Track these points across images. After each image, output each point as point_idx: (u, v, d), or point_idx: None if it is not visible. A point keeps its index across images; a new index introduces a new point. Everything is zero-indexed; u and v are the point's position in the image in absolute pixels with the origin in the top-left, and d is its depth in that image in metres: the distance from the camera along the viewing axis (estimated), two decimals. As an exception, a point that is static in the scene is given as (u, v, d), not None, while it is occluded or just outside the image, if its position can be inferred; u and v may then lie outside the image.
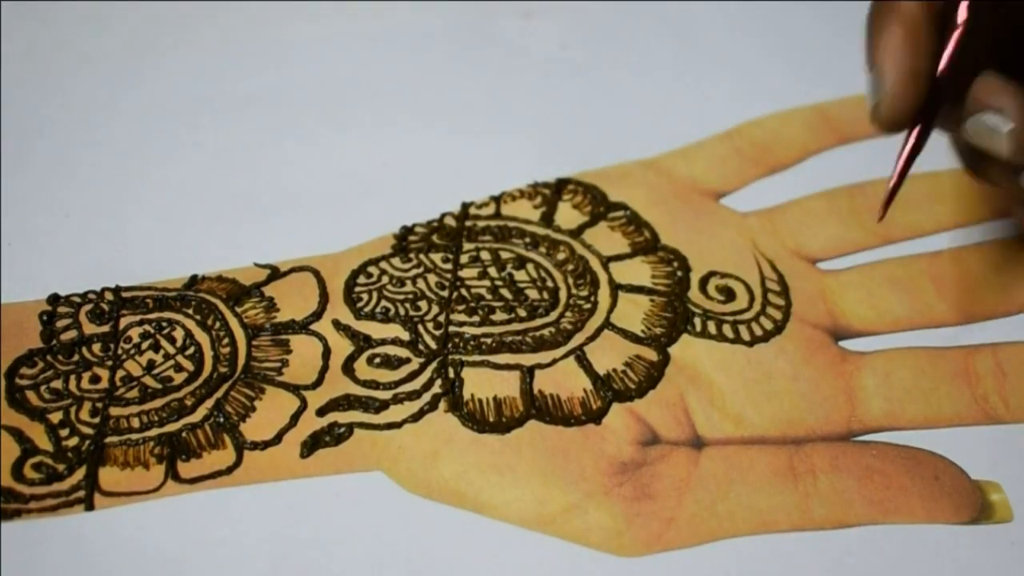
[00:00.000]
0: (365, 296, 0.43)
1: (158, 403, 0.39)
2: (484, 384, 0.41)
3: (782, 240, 0.47)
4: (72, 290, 0.43)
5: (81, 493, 0.37)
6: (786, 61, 0.55)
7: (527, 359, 0.42)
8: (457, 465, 0.38)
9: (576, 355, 0.42)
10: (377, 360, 0.41)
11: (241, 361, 0.41)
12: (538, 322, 0.43)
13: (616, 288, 0.45)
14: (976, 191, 0.48)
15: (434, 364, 0.41)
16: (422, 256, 0.45)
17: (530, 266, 0.45)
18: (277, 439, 0.39)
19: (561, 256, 0.45)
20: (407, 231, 0.46)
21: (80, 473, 0.37)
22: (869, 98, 0.37)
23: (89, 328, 0.42)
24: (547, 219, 0.47)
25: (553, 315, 0.43)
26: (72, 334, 0.41)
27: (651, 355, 0.42)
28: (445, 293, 0.44)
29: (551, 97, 0.54)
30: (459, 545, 0.36)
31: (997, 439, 0.40)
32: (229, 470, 0.38)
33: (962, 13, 0.37)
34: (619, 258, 0.46)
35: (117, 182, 0.48)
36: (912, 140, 0.38)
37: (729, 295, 0.45)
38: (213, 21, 0.57)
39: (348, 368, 0.41)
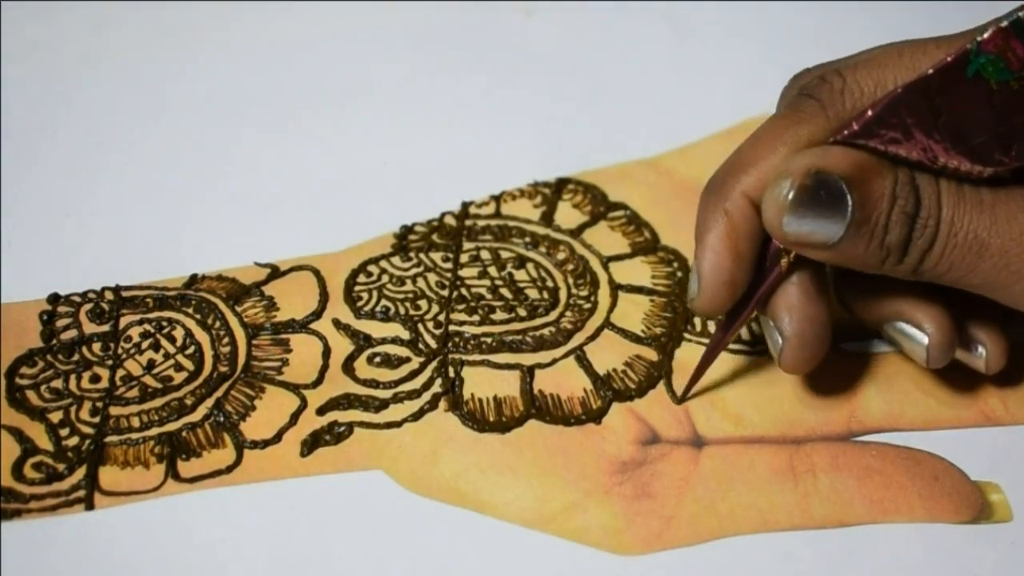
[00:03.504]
0: (365, 295, 0.43)
1: (158, 402, 0.39)
2: (484, 383, 0.41)
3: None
4: (72, 289, 0.43)
5: (81, 493, 0.37)
6: (786, 61, 0.55)
7: (527, 359, 0.42)
8: (457, 464, 0.38)
9: (576, 355, 0.42)
10: (377, 359, 0.41)
11: (241, 360, 0.41)
12: (538, 322, 0.43)
13: (616, 288, 0.45)
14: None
15: (434, 363, 0.41)
16: (422, 255, 0.45)
17: (530, 266, 0.45)
18: (277, 438, 0.39)
19: (561, 256, 0.45)
20: (407, 230, 0.46)
21: (80, 473, 0.37)
22: (689, 286, 0.38)
23: (89, 327, 0.42)
24: (547, 219, 0.47)
25: (553, 315, 0.43)
26: (72, 333, 0.41)
27: (651, 355, 0.42)
28: (445, 292, 0.44)
29: (551, 97, 0.54)
30: (459, 544, 0.36)
31: (996, 440, 0.40)
32: (229, 469, 0.38)
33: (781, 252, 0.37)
34: (619, 258, 0.46)
35: (117, 182, 0.48)
36: (721, 334, 0.39)
37: (729, 295, 0.44)
38: (214, 21, 0.57)
39: (348, 367, 0.41)
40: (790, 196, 0.35)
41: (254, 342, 0.42)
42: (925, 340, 0.38)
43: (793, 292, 0.38)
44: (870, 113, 0.35)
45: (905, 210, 0.35)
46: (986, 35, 0.34)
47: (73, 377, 0.40)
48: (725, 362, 0.42)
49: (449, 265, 0.45)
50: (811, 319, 0.38)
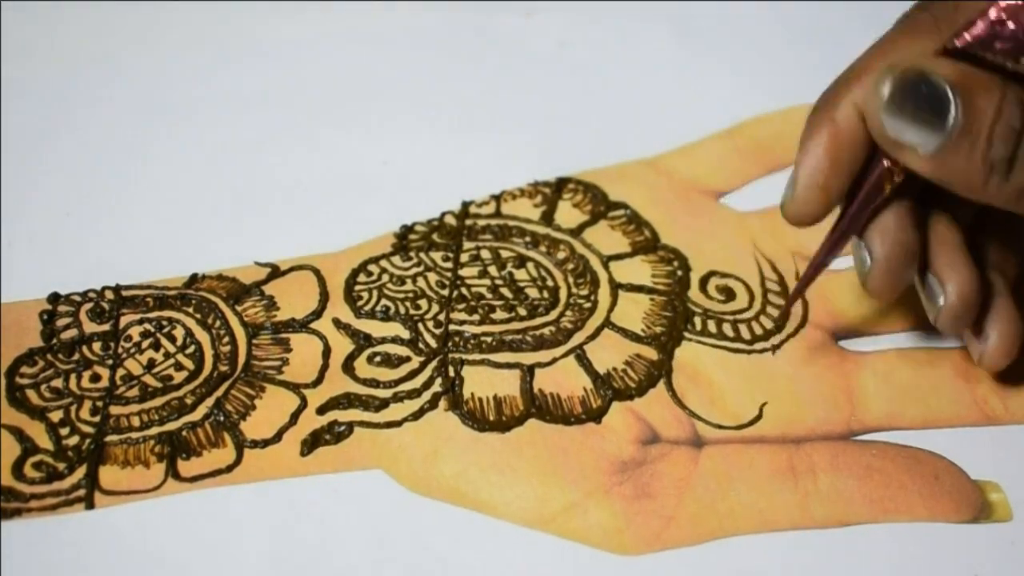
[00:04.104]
0: (365, 295, 0.43)
1: (158, 402, 0.39)
2: (484, 383, 0.41)
3: (782, 240, 0.47)
4: (72, 289, 0.43)
5: (81, 492, 0.37)
6: (786, 59, 0.55)
7: (527, 358, 0.42)
8: (457, 464, 0.38)
9: (576, 354, 0.42)
10: (377, 358, 0.41)
11: (241, 360, 0.41)
12: (538, 321, 0.43)
13: (616, 287, 0.45)
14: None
15: (434, 363, 0.41)
16: (422, 255, 0.45)
17: (530, 265, 0.45)
18: (277, 437, 0.39)
19: (561, 255, 0.45)
20: (407, 230, 0.46)
21: (80, 472, 0.37)
22: (784, 192, 0.38)
23: (89, 327, 0.42)
24: (547, 218, 0.47)
25: (553, 314, 0.43)
26: (72, 333, 0.41)
27: (651, 354, 0.42)
28: (445, 292, 0.44)
29: (551, 96, 0.54)
30: (459, 544, 0.36)
31: (997, 439, 0.40)
32: (229, 468, 0.38)
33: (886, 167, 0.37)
34: (619, 257, 0.46)
35: (117, 182, 0.48)
36: (822, 256, 0.39)
37: (729, 295, 0.45)
38: (214, 21, 0.57)
39: (348, 366, 0.41)
40: (889, 87, 0.35)
41: (254, 341, 0.42)
42: (941, 300, 0.38)
43: (888, 217, 0.38)
44: (980, 25, 0.34)
45: (1012, 124, 0.34)
46: None
47: (73, 376, 0.40)
48: (725, 361, 0.42)
49: (449, 264, 0.45)
50: (903, 245, 0.38)
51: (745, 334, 0.43)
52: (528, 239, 0.46)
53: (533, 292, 0.44)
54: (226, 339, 0.41)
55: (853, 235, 0.39)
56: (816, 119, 0.38)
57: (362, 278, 0.44)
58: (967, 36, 0.35)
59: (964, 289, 0.38)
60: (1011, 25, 0.34)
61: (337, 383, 0.40)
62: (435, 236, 0.46)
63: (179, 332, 0.42)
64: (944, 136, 0.34)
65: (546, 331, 0.43)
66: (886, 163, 0.37)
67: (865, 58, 0.38)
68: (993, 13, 0.34)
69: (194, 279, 0.44)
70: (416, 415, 0.40)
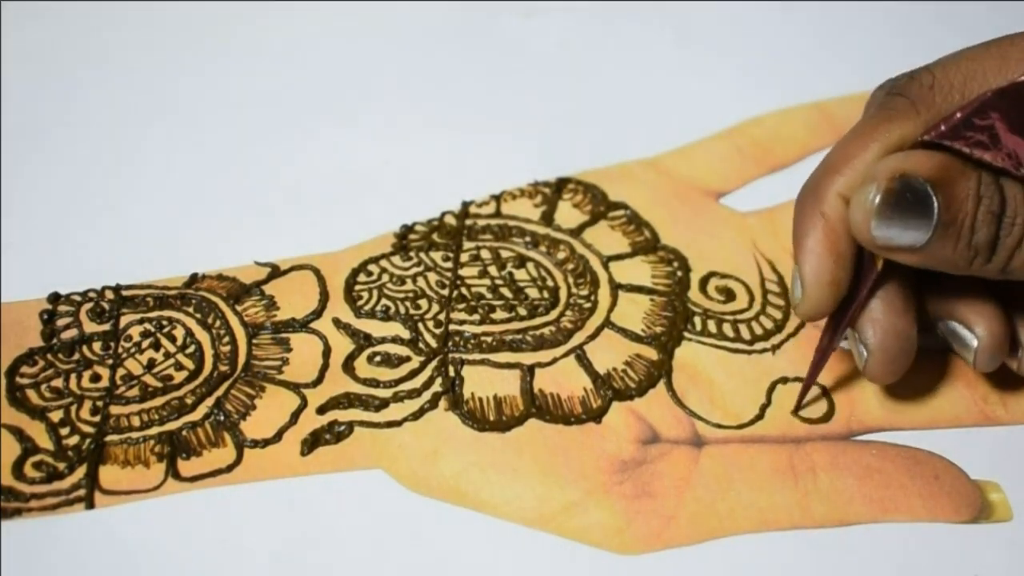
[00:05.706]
0: (365, 294, 0.43)
1: (158, 401, 0.39)
2: (484, 383, 0.41)
3: (782, 240, 0.47)
4: (73, 288, 0.43)
5: (81, 492, 0.37)
6: (786, 59, 0.55)
7: (527, 358, 0.42)
8: (457, 463, 0.38)
9: (576, 354, 0.42)
10: (377, 358, 0.41)
11: (241, 359, 0.41)
12: (538, 321, 0.43)
13: (616, 287, 0.45)
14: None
15: (434, 363, 0.41)
16: (422, 255, 0.45)
17: (530, 265, 0.45)
18: (277, 437, 0.39)
19: (561, 255, 0.45)
20: (407, 229, 0.46)
21: (80, 472, 0.37)
22: (793, 292, 0.39)
23: (90, 327, 0.42)
24: (547, 218, 0.47)
25: (553, 314, 0.43)
26: (73, 332, 0.41)
27: (651, 354, 0.42)
28: (445, 292, 0.44)
29: (551, 97, 0.54)
30: (459, 543, 0.36)
31: (997, 439, 0.40)
32: (229, 468, 0.38)
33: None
34: (619, 257, 0.46)
35: (117, 182, 0.48)
36: (828, 339, 0.40)
37: (729, 295, 0.45)
38: (214, 21, 0.57)
39: (348, 366, 0.41)
40: (876, 200, 0.35)
41: (254, 341, 0.42)
42: (975, 343, 0.39)
43: (877, 306, 0.38)
44: (958, 115, 0.35)
45: (991, 209, 0.35)
46: None
47: (73, 376, 0.40)
48: (725, 361, 0.42)
49: (449, 264, 0.45)
50: (896, 332, 0.38)
51: (745, 334, 0.43)
52: (528, 239, 0.46)
53: (533, 292, 0.44)
54: (226, 339, 0.41)
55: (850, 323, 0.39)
56: (805, 215, 0.38)
57: (362, 278, 0.44)
58: (943, 127, 0.35)
59: (993, 327, 0.38)
60: (990, 116, 0.35)
61: (337, 383, 0.40)
62: (435, 236, 0.46)
63: (179, 332, 0.42)
64: (930, 232, 0.35)
65: (546, 331, 0.43)
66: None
67: (844, 145, 0.38)
68: (971, 105, 0.35)
69: (194, 279, 0.44)
70: (416, 415, 0.40)
